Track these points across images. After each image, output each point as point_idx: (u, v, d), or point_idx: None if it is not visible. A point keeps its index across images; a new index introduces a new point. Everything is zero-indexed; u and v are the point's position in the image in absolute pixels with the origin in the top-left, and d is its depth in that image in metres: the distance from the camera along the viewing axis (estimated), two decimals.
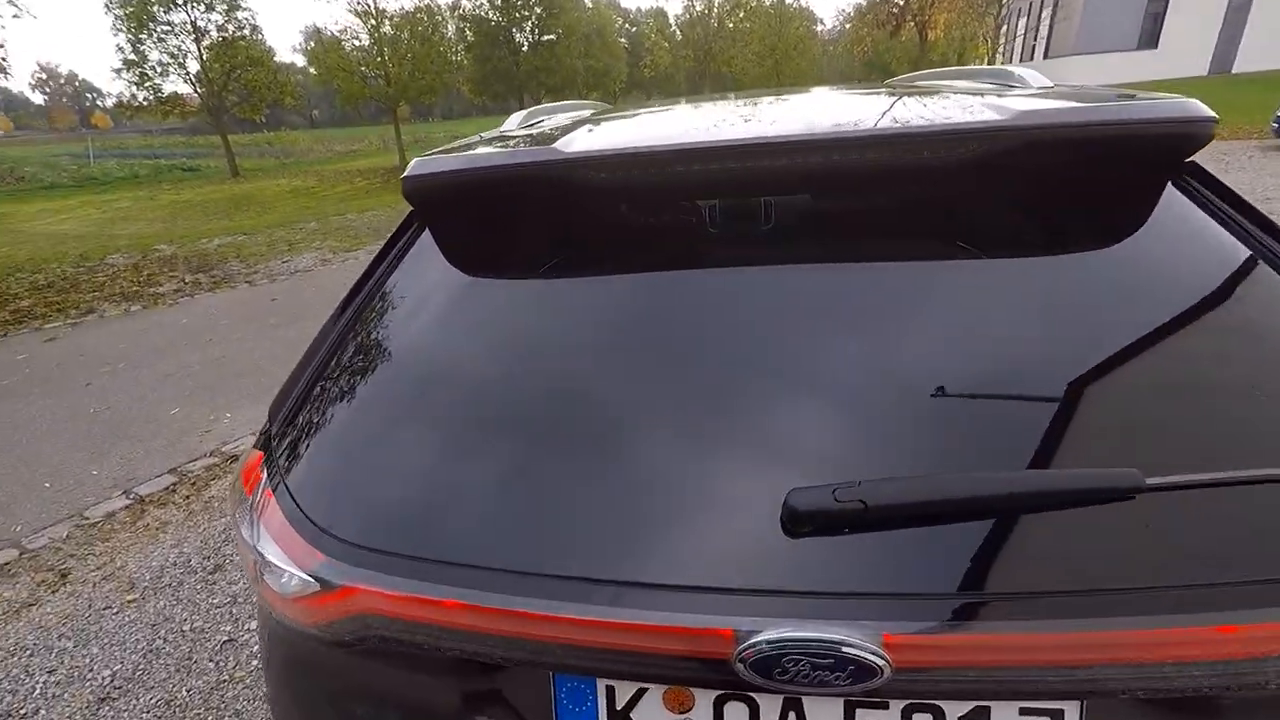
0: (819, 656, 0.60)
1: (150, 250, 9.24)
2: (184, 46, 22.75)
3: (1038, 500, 0.64)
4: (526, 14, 31.61)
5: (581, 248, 0.98)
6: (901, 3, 29.03)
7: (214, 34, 22.99)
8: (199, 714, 1.76)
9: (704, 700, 0.72)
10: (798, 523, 0.64)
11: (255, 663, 1.92)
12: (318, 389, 0.93)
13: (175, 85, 23.59)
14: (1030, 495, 0.64)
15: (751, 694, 0.70)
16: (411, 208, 1.05)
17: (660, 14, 46.94)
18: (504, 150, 0.99)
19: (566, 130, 1.08)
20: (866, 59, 38.15)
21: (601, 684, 0.75)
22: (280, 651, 0.94)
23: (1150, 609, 0.59)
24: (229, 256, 8.45)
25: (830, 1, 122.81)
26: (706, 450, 0.75)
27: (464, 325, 0.92)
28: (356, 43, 24.75)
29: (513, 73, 31.16)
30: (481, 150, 1.00)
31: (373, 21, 24.03)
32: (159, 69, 22.82)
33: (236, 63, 22.81)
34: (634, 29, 51.82)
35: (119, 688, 1.87)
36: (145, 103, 23.07)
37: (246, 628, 2.06)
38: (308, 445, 0.88)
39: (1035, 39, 30.44)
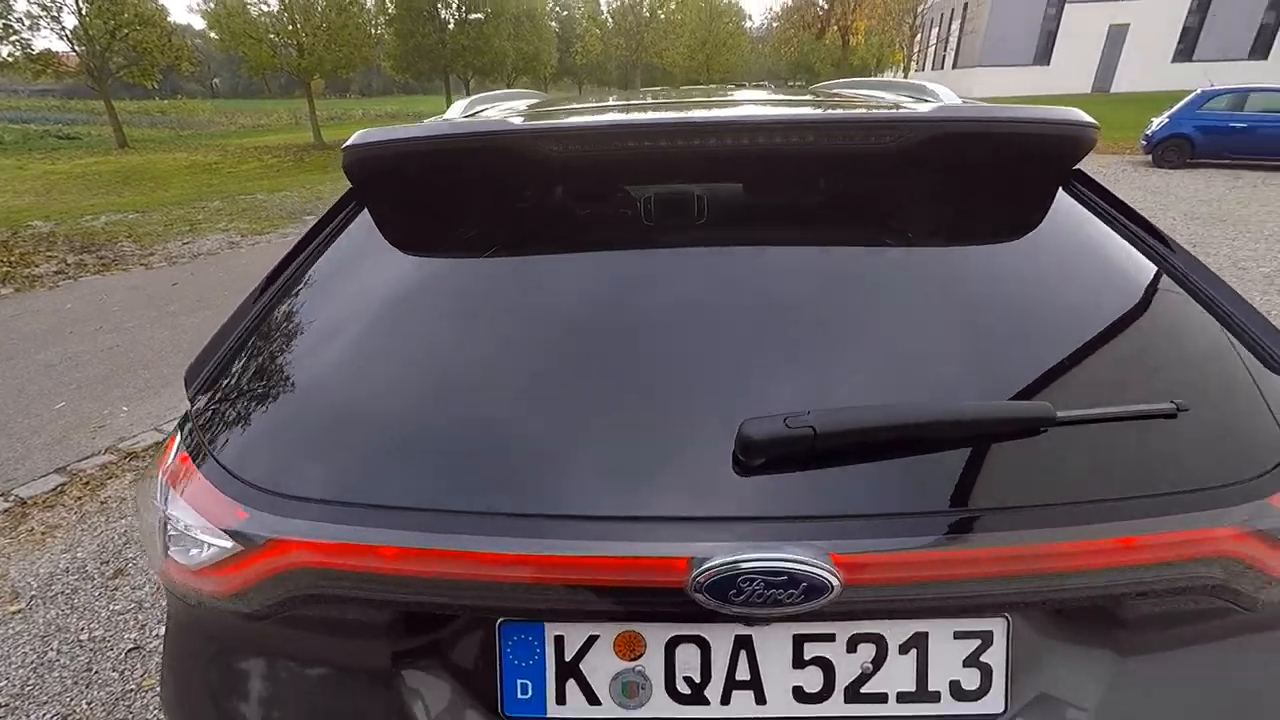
0: (772, 575, 0.64)
1: (22, 226, 8.29)
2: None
3: (970, 428, 0.72)
4: None
5: (529, 217, 1.02)
6: (826, 6, 30.06)
7: None
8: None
9: (655, 644, 0.73)
10: (751, 451, 0.68)
11: None
12: (241, 353, 0.91)
13: (49, 41, 21.16)
14: (963, 424, 0.71)
15: (703, 634, 0.73)
16: (350, 185, 1.03)
17: (592, 0, 46.42)
18: (451, 125, 0.99)
19: (513, 114, 1.12)
20: (793, 59, 39.33)
21: (550, 633, 0.74)
22: (186, 641, 0.89)
23: (1063, 523, 0.67)
24: (119, 236, 7.72)
25: (759, 0, 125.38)
26: (658, 389, 0.77)
27: (398, 291, 0.92)
28: (265, 7, 23.01)
29: (438, 51, 29.92)
30: (427, 124, 1.00)
31: None
32: (27, 21, 20.29)
33: (123, 21, 20.64)
34: (565, 13, 50.97)
35: (4, 705, 1.72)
36: (10, 59, 20.49)
37: (155, 633, 1.94)
38: (229, 407, 0.85)
39: (945, 50, 32.41)
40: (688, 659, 0.73)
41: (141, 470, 2.85)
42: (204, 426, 0.84)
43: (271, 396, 0.85)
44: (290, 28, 22.67)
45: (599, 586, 0.69)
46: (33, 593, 2.12)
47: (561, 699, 0.75)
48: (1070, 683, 0.74)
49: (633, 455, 0.73)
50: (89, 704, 1.71)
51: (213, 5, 23.78)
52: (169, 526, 0.80)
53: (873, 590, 0.68)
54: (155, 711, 1.69)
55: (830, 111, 1.00)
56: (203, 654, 0.87)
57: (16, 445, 3.07)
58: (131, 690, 1.75)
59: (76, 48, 20.95)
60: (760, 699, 0.73)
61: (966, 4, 29.04)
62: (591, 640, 0.74)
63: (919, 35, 35.12)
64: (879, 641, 0.73)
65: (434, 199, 1.02)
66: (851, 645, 0.73)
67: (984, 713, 0.74)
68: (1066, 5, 25.30)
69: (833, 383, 0.77)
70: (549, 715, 0.75)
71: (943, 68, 31.98)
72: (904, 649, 0.73)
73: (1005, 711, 0.74)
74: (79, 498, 2.65)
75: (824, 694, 0.73)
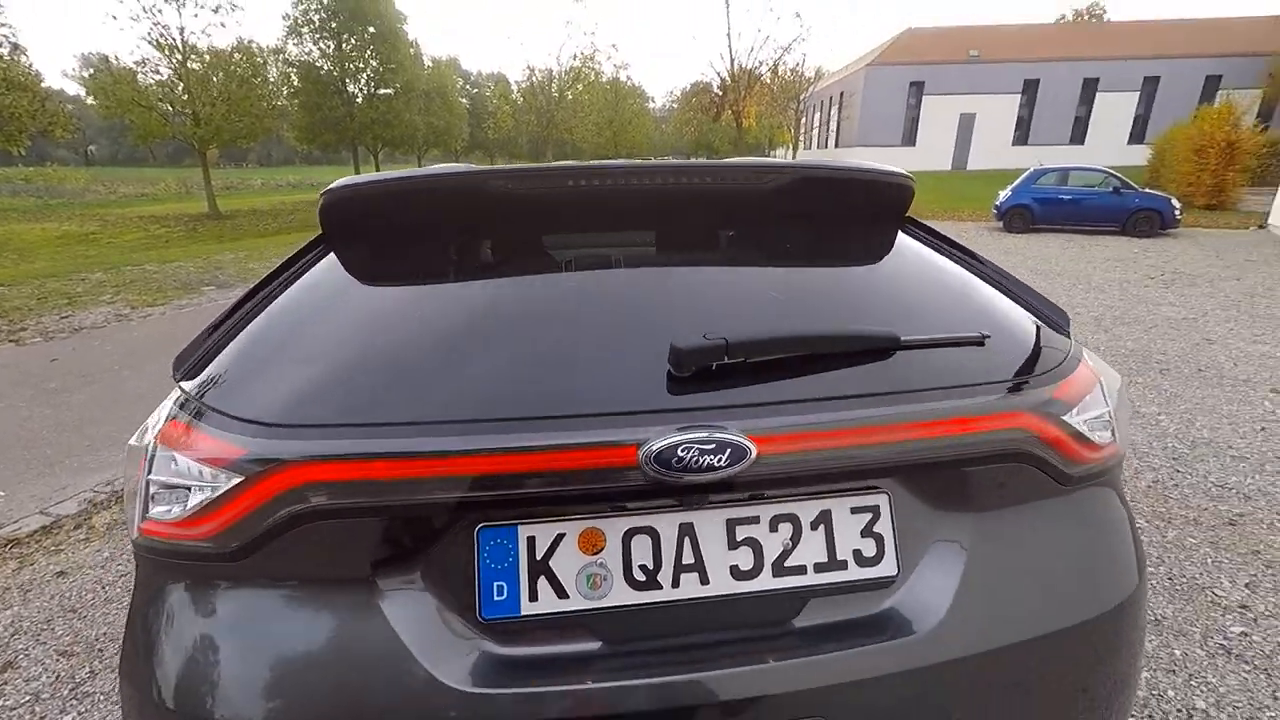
0: (703, 444, 0.83)
1: None
2: None
3: (838, 343, 0.98)
4: (361, 66, 30.71)
5: (496, 225, 1.30)
6: (720, 93, 32.98)
7: None
8: None
9: (614, 538, 0.88)
10: (681, 361, 0.90)
11: None
12: (226, 340, 1.03)
13: None
14: (834, 339, 0.98)
15: (653, 524, 0.89)
16: (320, 230, 1.26)
17: (502, 79, 48.25)
18: (421, 171, 1.29)
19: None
20: (694, 138, 42.46)
21: (523, 534, 0.86)
22: (158, 601, 0.91)
23: (912, 403, 0.94)
24: None
25: (660, 82, 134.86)
26: (608, 324, 1.03)
27: (376, 275, 1.18)
28: (156, 76, 22.19)
29: (346, 124, 29.80)
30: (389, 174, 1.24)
31: (178, 56, 21.81)
32: None
33: None
34: (476, 90, 52.52)
35: None
36: None
37: None
38: (219, 377, 0.97)
39: (827, 132, 36.19)
40: (641, 549, 0.89)
41: (25, 556, 2.61)
42: (195, 395, 0.95)
43: (257, 359, 0.99)
44: (184, 97, 21.94)
45: (569, 470, 0.84)
46: None
47: (534, 596, 0.86)
48: (945, 543, 0.96)
49: (593, 372, 0.94)
50: None
51: (91, 72, 22.71)
52: (151, 488, 0.87)
53: (779, 458, 0.88)
54: None
55: (726, 161, 1.37)
56: (177, 606, 0.90)
57: None
58: None
59: None
60: (704, 579, 0.89)
61: (843, 93, 32.86)
62: (559, 539, 0.87)
63: (804, 119, 39.14)
64: (794, 521, 0.92)
65: (401, 242, 1.24)
66: (774, 525, 0.92)
67: (882, 574, 0.94)
68: (924, 97, 29.19)
69: (740, 316, 1.07)
70: (523, 613, 0.85)
71: (827, 146, 35.67)
72: (814, 525, 0.93)
73: (899, 574, 0.94)
74: None
75: (755, 570, 0.90)
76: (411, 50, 32.21)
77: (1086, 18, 46.09)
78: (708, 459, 0.84)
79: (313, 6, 30.03)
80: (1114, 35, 29.64)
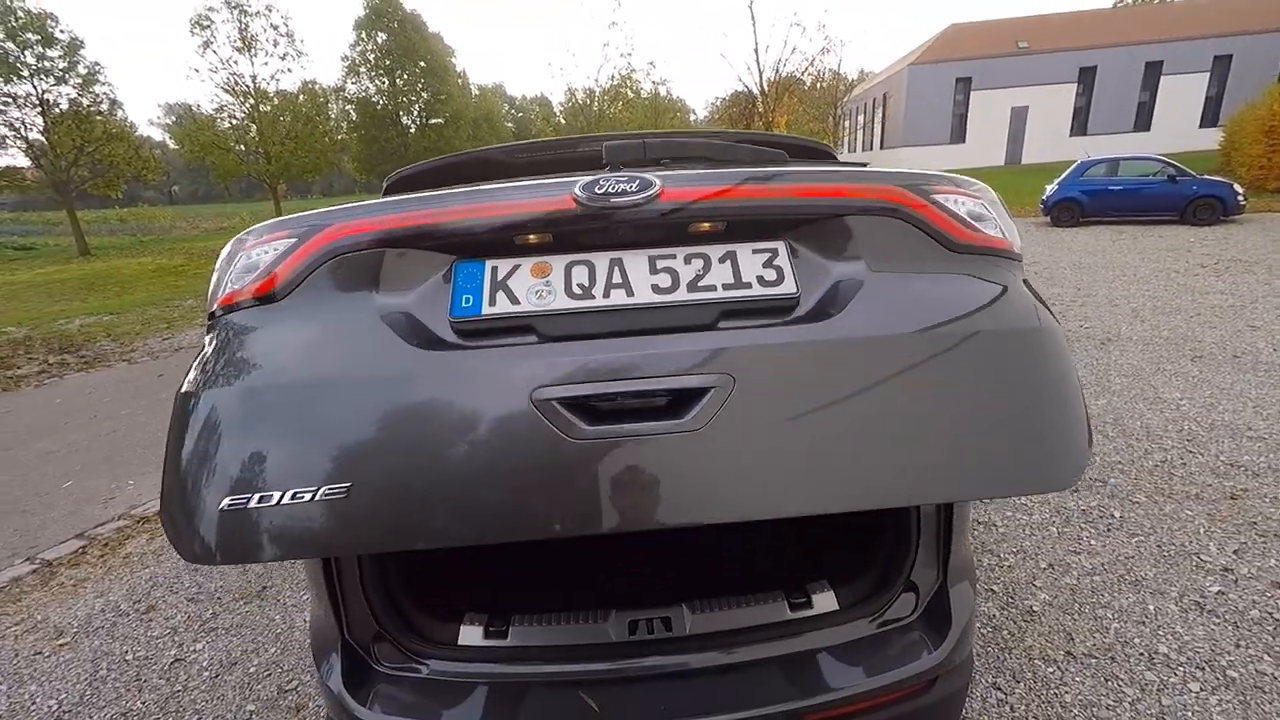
0: (627, 182, 1.07)
1: None
2: (28, 120, 21.13)
3: (740, 153, 1.28)
4: (414, 99, 32.45)
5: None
6: (749, 104, 33.26)
7: (64, 106, 21.60)
8: (156, 718, 1.96)
9: (558, 268, 1.10)
10: (610, 154, 1.21)
11: (207, 674, 2.13)
12: None
13: (11, 158, 21.67)
14: (736, 150, 1.28)
15: (590, 259, 1.10)
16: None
17: (545, 102, 49.88)
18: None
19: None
20: None
21: (489, 265, 1.10)
22: (219, 355, 1.10)
23: (798, 178, 1.16)
24: (97, 336, 8.00)
25: (704, 92, 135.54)
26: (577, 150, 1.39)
27: None
28: (233, 121, 24.19)
29: (401, 153, 31.54)
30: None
31: (251, 101, 23.72)
32: None
33: (91, 137, 21.44)
34: (520, 114, 54.42)
35: (69, 711, 2.01)
36: None
37: (191, 649, 2.25)
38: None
39: (870, 134, 35.73)
40: (580, 274, 1.10)
41: (154, 530, 3.16)
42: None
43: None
44: (257, 138, 23.76)
45: (524, 214, 1.10)
46: (75, 630, 2.41)
47: (493, 302, 1.08)
48: (844, 281, 1.10)
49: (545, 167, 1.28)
50: (143, 704, 2.02)
51: (174, 120, 24.78)
52: (229, 273, 1.18)
53: (684, 204, 1.08)
54: (203, 703, 2.00)
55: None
56: (235, 333, 1.12)
57: (32, 520, 3.34)
58: (179, 691, 2.06)
59: (41, 162, 21.56)
60: (629, 293, 1.09)
61: (886, 95, 32.46)
62: (515, 268, 1.11)
63: (844, 123, 38.81)
64: (705, 258, 1.12)
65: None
66: (688, 260, 1.11)
67: (783, 293, 1.07)
68: (972, 92, 28.52)
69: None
70: (483, 313, 1.07)
71: (871, 149, 35.20)
72: (722, 260, 1.11)
73: (797, 292, 1.08)
74: (101, 555, 2.94)
75: (672, 288, 1.09)
76: (460, 80, 33.82)
77: None
78: (626, 189, 1.07)
79: (369, 47, 31.99)
80: (1176, 15, 28.18)
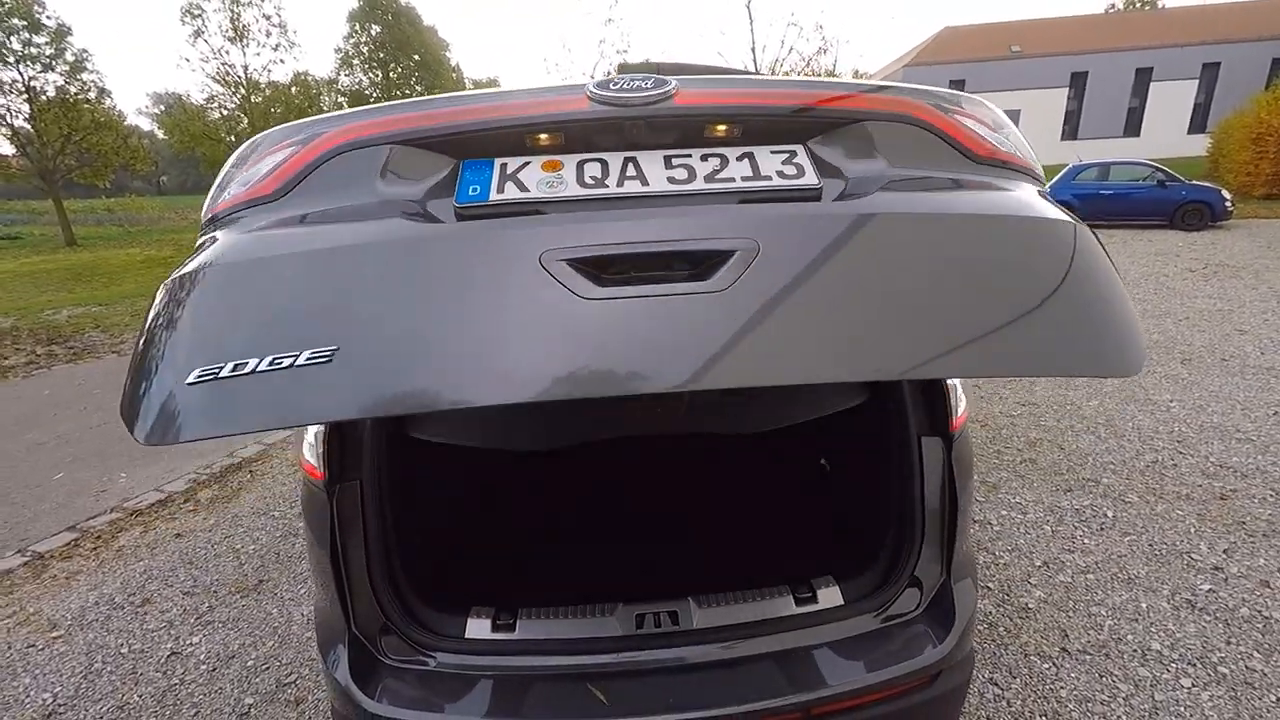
0: (641, 80, 1.06)
1: None
2: (13, 106, 20.82)
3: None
4: (408, 92, 32.27)
5: None
6: None
7: (51, 94, 21.29)
8: (154, 712, 1.94)
9: (570, 165, 1.05)
10: (623, 68, 1.20)
11: (204, 667, 2.11)
12: None
13: None
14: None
15: (604, 157, 1.06)
16: None
17: None
18: None
19: None
20: None
21: (498, 163, 1.05)
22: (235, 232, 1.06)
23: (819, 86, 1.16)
24: (86, 327, 7.90)
25: None
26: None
27: None
28: (224, 111, 23.96)
29: None
30: None
31: (243, 91, 23.48)
32: None
33: (79, 125, 21.15)
34: None
35: (64, 704, 1.99)
36: None
37: (188, 642, 2.24)
38: None
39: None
40: (592, 169, 1.05)
41: (148, 523, 3.13)
42: None
43: None
44: (248, 129, 23.54)
45: (538, 114, 1.06)
46: (69, 622, 2.38)
47: (501, 189, 1.03)
48: (864, 177, 1.07)
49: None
50: (140, 697, 2.00)
51: (164, 110, 24.54)
52: (231, 181, 1.14)
53: (702, 107, 1.06)
54: (201, 696, 1.99)
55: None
56: (240, 232, 1.06)
57: (23, 511, 3.29)
58: (176, 684, 2.04)
59: (27, 150, 21.25)
60: (644, 184, 1.04)
61: None
62: (525, 164, 1.07)
63: None
64: (722, 158, 1.08)
65: None
66: (704, 158, 1.08)
67: (806, 184, 1.05)
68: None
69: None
70: (490, 198, 1.02)
71: None
72: (740, 159, 1.08)
73: (819, 183, 1.05)
74: (94, 548, 2.91)
75: (689, 180, 1.05)
76: (454, 75, 33.63)
77: (1139, 5, 44.32)
78: (639, 84, 1.05)
79: (363, 39, 31.75)
80: (1168, 22, 28.51)
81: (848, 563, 1.46)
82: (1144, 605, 2.23)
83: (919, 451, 1.40)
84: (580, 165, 1.06)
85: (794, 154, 1.09)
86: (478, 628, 1.32)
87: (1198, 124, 26.32)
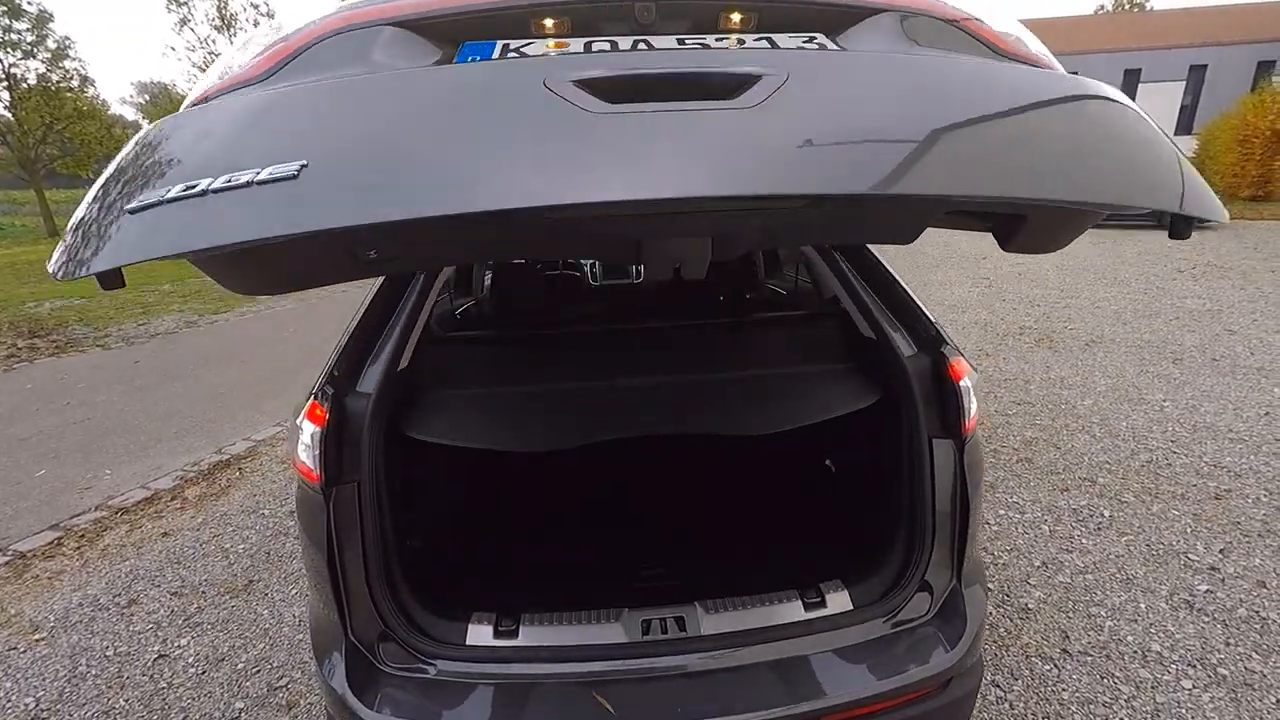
0: None
1: None
2: None
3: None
4: None
5: None
6: None
7: (32, 82, 20.87)
8: (141, 717, 1.89)
9: (576, 44, 0.99)
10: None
11: (192, 670, 2.06)
12: None
13: None
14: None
15: (612, 37, 1.00)
16: None
17: None
18: None
19: None
20: None
21: (499, 43, 1.00)
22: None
23: None
24: (69, 320, 7.74)
25: None
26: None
27: None
28: None
29: None
30: None
31: None
32: None
33: (61, 114, 20.75)
34: None
35: (47, 710, 1.93)
36: None
37: (176, 645, 2.18)
38: None
39: None
40: (601, 48, 1.00)
41: (134, 521, 3.06)
42: None
43: None
44: None
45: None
46: (51, 624, 2.32)
47: (503, 57, 0.98)
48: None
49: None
50: (126, 701, 1.95)
51: (148, 99, 24.16)
52: (219, 67, 1.07)
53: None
54: (189, 700, 1.94)
55: None
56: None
57: (3, 509, 3.21)
58: (164, 688, 1.99)
59: (8, 139, 20.84)
60: (652, 47, 0.99)
61: None
62: (529, 43, 1.02)
63: None
64: (739, 40, 1.03)
65: None
66: (719, 40, 1.04)
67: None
68: None
69: None
70: (494, 56, 0.99)
71: None
72: (757, 41, 1.03)
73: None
74: (78, 548, 2.84)
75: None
76: None
77: (1128, 7, 44.71)
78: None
79: None
80: (1156, 24, 28.79)
81: (857, 567, 1.44)
82: (1143, 606, 2.23)
83: (930, 454, 1.38)
84: (587, 45, 1.00)
85: (813, 39, 1.03)
86: (479, 634, 1.29)
87: (1184, 125, 26.57)
